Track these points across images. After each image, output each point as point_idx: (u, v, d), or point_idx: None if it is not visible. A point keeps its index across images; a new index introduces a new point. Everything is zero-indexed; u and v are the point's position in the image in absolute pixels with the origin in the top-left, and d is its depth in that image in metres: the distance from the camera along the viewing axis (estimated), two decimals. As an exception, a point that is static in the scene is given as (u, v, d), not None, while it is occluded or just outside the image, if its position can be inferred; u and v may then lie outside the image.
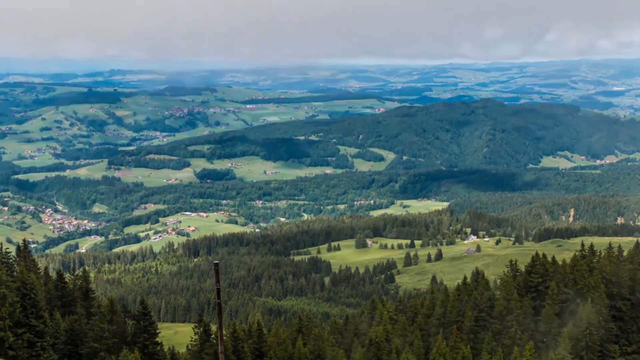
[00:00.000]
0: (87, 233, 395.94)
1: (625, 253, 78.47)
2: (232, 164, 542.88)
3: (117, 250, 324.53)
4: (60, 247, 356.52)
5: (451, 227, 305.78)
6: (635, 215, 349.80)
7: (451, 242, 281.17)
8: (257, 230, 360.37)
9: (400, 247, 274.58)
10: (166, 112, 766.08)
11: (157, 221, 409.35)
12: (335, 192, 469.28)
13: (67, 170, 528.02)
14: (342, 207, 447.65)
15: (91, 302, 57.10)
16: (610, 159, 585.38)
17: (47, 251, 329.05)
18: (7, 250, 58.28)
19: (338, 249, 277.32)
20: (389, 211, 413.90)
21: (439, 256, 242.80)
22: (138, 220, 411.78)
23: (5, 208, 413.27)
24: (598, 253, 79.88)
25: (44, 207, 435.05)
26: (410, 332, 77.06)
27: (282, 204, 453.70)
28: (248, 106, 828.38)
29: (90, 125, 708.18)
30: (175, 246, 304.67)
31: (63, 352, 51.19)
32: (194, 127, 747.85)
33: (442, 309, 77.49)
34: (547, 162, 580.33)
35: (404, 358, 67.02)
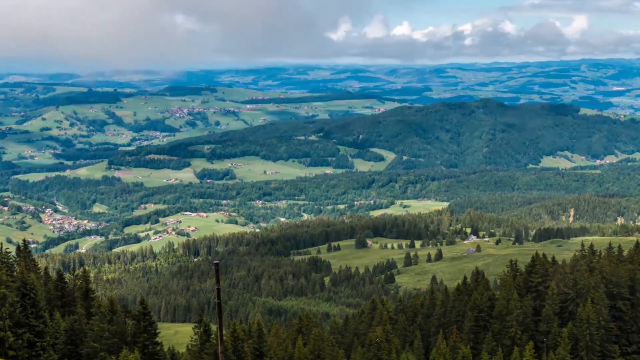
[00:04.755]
0: (87, 233, 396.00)
1: (625, 253, 78.54)
2: (232, 164, 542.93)
3: (117, 250, 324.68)
4: (60, 247, 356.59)
5: (451, 227, 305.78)
6: (635, 215, 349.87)
7: (451, 242, 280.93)
8: (257, 230, 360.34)
9: (400, 247, 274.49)
10: (166, 112, 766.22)
11: (157, 221, 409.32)
12: (335, 192, 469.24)
13: (67, 170, 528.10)
14: (342, 207, 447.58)
15: (91, 302, 57.06)
16: (610, 159, 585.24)
17: (47, 251, 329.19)
18: (7, 250, 58.26)
19: (338, 249, 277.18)
20: (389, 211, 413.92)
21: (439, 256, 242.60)
22: (138, 220, 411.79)
23: (5, 208, 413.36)
24: (598, 253, 79.93)
25: (44, 207, 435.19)
26: (410, 332, 77.08)
27: (282, 204, 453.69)
28: (248, 106, 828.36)
29: (90, 125, 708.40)
30: (175, 246, 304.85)
31: (63, 352, 51.16)
32: (194, 127, 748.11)
33: (442, 309, 77.52)
34: (547, 162, 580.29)
35: (404, 358, 67.04)
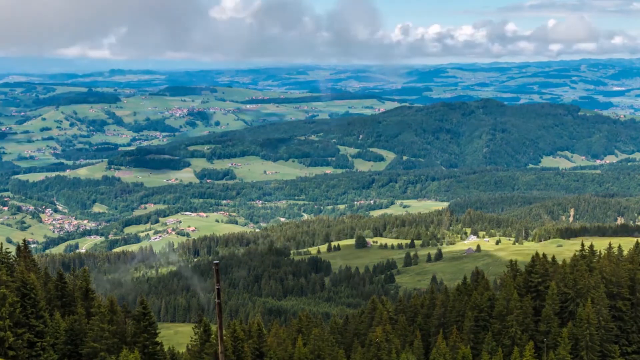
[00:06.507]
0: (87, 233, 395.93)
1: (625, 253, 78.47)
2: (232, 164, 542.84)
3: (117, 250, 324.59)
4: (60, 247, 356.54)
5: (451, 227, 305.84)
6: (635, 215, 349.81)
7: (451, 242, 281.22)
8: (257, 230, 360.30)
9: (400, 247, 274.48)
10: (166, 112, 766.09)
11: (157, 221, 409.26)
12: (335, 192, 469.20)
13: (67, 170, 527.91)
14: (342, 207, 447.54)
15: (91, 302, 57.03)
16: (610, 159, 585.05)
17: (47, 251, 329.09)
18: (7, 250, 58.22)
19: (338, 249, 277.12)
20: (389, 211, 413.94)
21: (439, 256, 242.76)
22: (138, 220, 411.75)
23: (5, 208, 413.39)
24: (598, 253, 79.87)
25: (44, 207, 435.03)
26: (410, 332, 77.05)
27: (282, 204, 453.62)
28: (248, 106, 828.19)
29: (90, 125, 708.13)
30: (175, 246, 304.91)
31: (63, 352, 51.16)
32: (194, 127, 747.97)
33: (442, 309, 77.48)
34: (547, 162, 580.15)
35: (404, 358, 67.05)
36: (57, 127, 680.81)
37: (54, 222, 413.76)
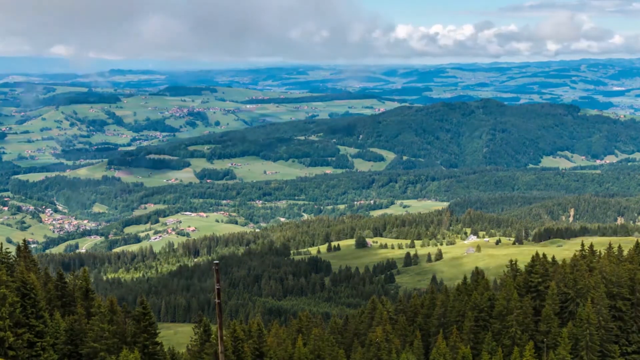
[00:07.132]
0: (87, 233, 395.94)
1: (625, 253, 78.44)
2: (232, 164, 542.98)
3: (117, 250, 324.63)
4: (60, 247, 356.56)
5: (451, 227, 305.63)
6: (635, 215, 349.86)
7: (451, 242, 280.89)
8: (257, 230, 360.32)
9: (400, 247, 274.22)
10: (166, 112, 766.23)
11: (157, 221, 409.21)
12: (335, 192, 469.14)
13: (67, 170, 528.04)
14: (342, 207, 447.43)
15: (91, 302, 56.97)
16: (610, 159, 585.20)
17: (47, 251, 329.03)
18: (7, 250, 58.21)
19: (338, 249, 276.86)
20: (389, 211, 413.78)
21: (439, 256, 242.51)
22: (138, 220, 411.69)
23: (5, 208, 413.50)
24: (598, 253, 79.84)
25: (44, 207, 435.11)
26: (410, 332, 77.03)
27: (282, 204, 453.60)
28: (248, 106, 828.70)
29: (90, 125, 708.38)
30: (175, 246, 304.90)
31: (63, 352, 51.13)
32: (194, 127, 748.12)
33: (442, 309, 77.44)
34: (547, 162, 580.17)
35: (404, 358, 67.04)
36: (57, 127, 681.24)
37: (54, 222, 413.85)
